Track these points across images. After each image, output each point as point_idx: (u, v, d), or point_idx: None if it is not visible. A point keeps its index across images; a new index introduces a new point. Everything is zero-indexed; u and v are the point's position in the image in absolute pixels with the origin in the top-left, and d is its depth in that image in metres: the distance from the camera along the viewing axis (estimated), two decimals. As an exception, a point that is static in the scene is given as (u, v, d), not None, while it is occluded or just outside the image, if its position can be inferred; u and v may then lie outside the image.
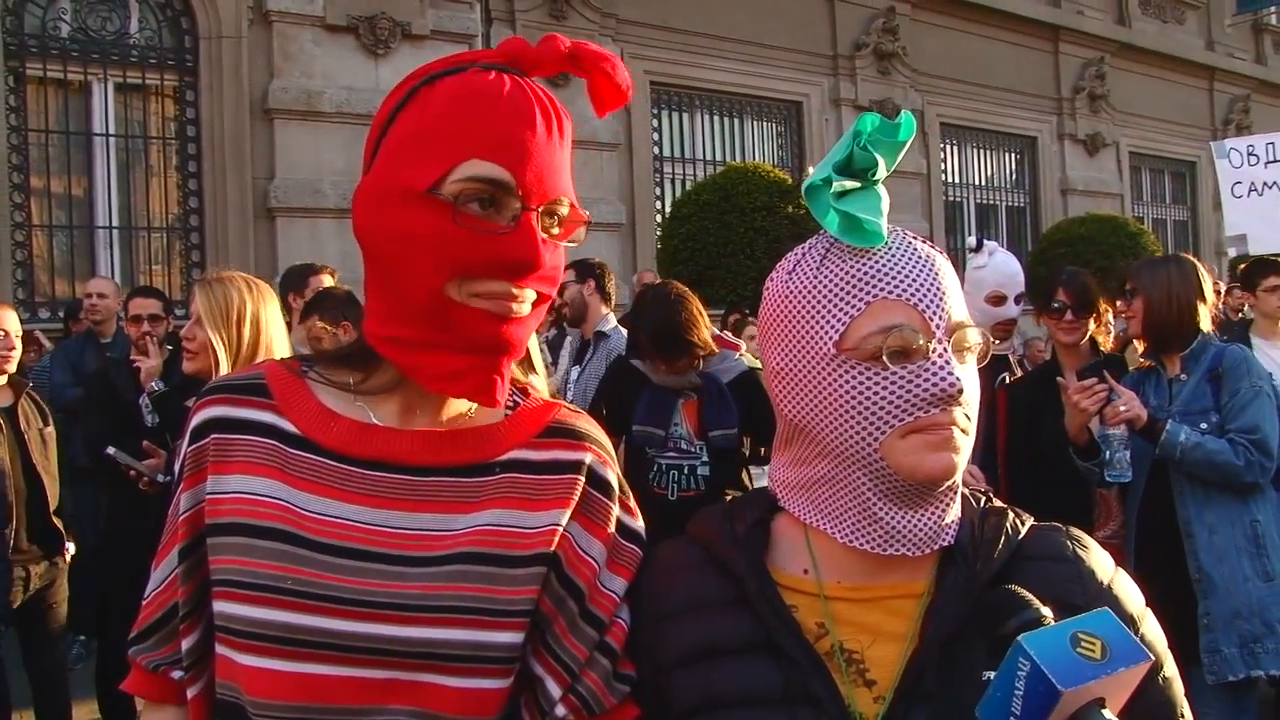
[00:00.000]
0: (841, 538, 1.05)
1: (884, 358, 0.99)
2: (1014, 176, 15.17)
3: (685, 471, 3.64)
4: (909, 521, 1.02)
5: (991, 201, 14.86)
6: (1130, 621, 1.05)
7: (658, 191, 11.21)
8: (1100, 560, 1.09)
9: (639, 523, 1.17)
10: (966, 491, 1.13)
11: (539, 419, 1.14)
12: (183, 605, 1.09)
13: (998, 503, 1.13)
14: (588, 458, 1.13)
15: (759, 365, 3.85)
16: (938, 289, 1.02)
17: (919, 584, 1.06)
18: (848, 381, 1.01)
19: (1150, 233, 12.51)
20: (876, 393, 1.00)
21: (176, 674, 1.12)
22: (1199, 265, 3.52)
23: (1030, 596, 0.95)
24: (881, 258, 1.03)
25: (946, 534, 1.04)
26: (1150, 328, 3.41)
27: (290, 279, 5.32)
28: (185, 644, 1.09)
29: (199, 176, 8.42)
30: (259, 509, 1.03)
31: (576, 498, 1.11)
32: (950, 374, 0.98)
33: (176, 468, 1.11)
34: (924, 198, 13.43)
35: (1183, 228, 17.37)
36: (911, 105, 13.07)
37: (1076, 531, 1.12)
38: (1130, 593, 1.09)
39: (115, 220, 8.32)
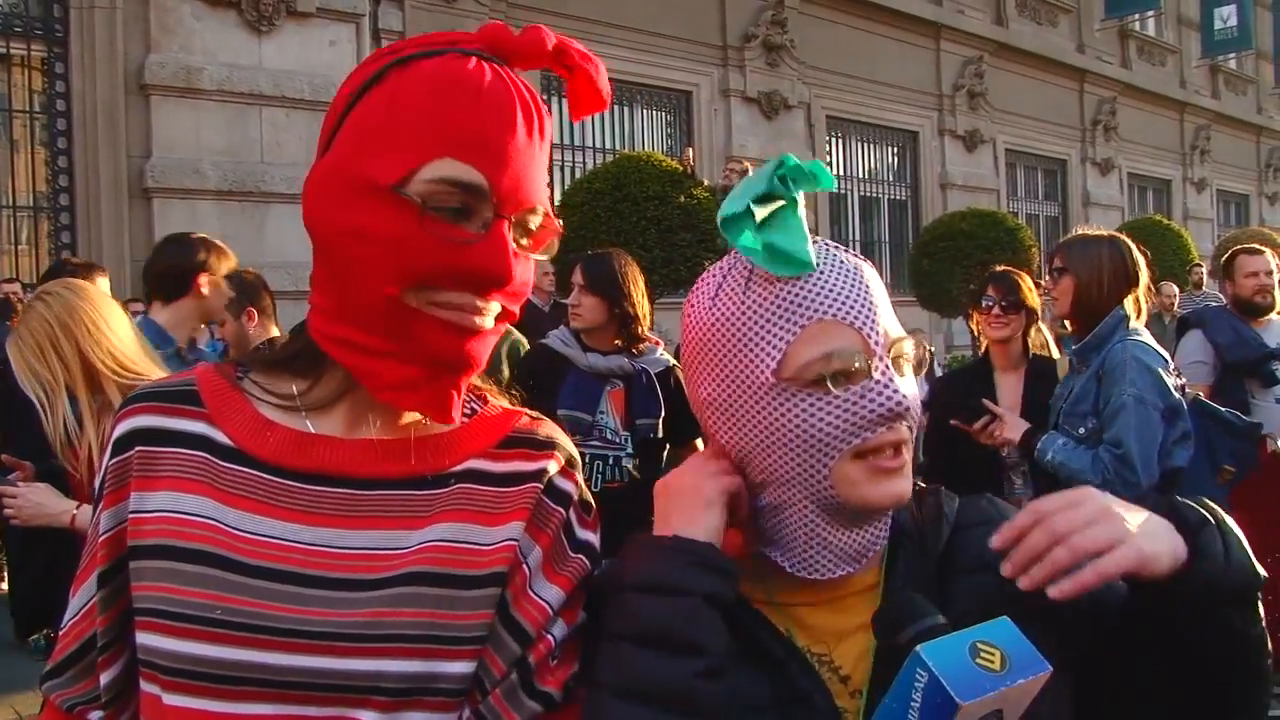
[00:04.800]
0: (791, 567, 1.03)
1: (827, 382, 0.97)
2: (896, 170, 15.58)
3: (610, 462, 3.53)
4: (855, 540, 1.02)
5: (874, 194, 15.24)
6: None
7: (548, 179, 11.15)
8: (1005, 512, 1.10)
9: (593, 536, 1.06)
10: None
11: (499, 428, 1.04)
12: (102, 635, 0.97)
13: (921, 483, 1.13)
14: (550, 465, 1.04)
15: (677, 364, 3.84)
16: (871, 304, 1.00)
17: (869, 576, 1.05)
18: (790, 410, 0.98)
19: (1026, 227, 13.01)
20: (822, 419, 0.97)
21: (95, 715, 1.01)
22: (1133, 247, 3.29)
23: (928, 604, 0.93)
24: (811, 278, 1.00)
25: (881, 539, 1.04)
26: (1078, 311, 3.24)
27: None
28: (104, 678, 0.98)
29: (69, 153, 8.08)
30: (186, 529, 0.92)
31: (532, 508, 1.01)
32: (896, 391, 0.97)
33: (96, 483, 1.00)
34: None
35: (1054, 223, 18.10)
36: (799, 98, 13.32)
37: (991, 496, 1.15)
38: None
39: (-23, 197, 7.92)
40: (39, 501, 2.57)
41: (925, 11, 15.21)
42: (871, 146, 15.10)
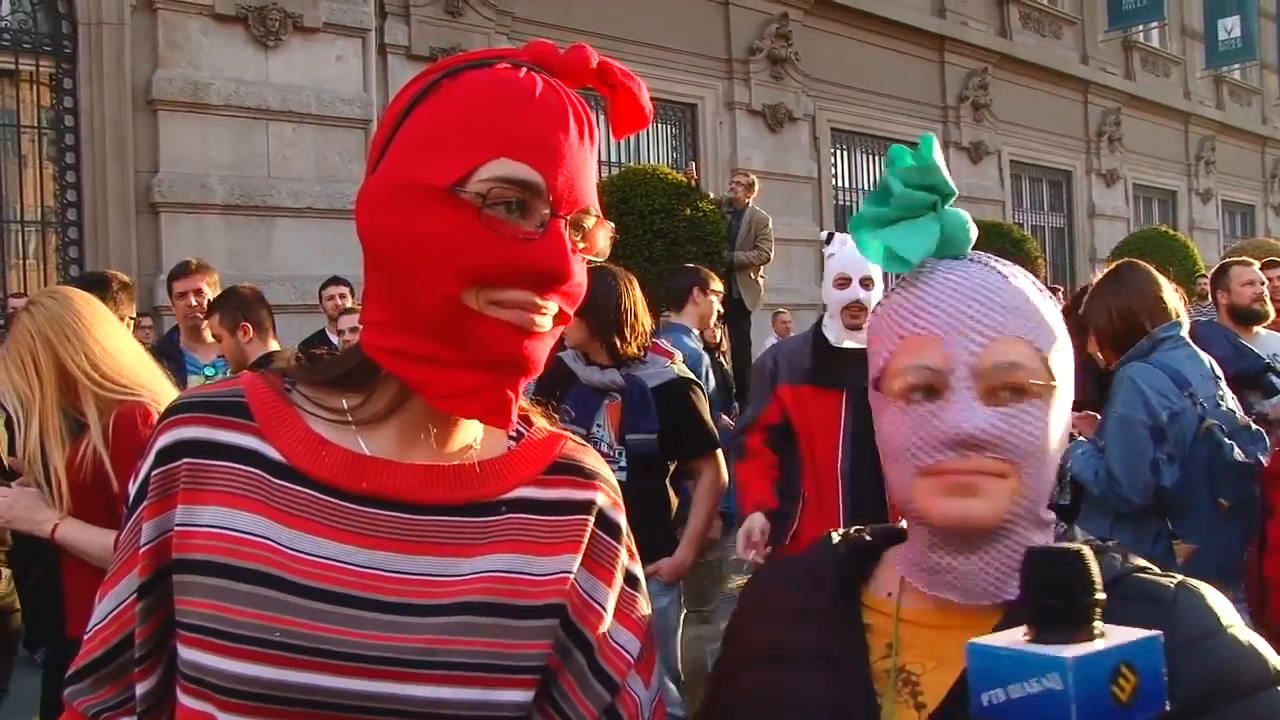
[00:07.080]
0: (901, 570, 1.04)
1: (906, 396, 0.96)
2: (902, 182, 15.56)
3: None
4: (959, 566, 0.97)
5: (880, 206, 15.22)
6: (1232, 684, 0.88)
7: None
8: (1201, 613, 0.93)
9: (639, 567, 1.11)
10: (1064, 530, 1.09)
11: (546, 453, 1.06)
12: (141, 646, 0.97)
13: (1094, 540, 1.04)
14: (599, 499, 1.06)
15: (690, 376, 3.77)
16: (972, 322, 0.95)
17: (999, 613, 0.97)
18: (884, 420, 1.00)
19: (1032, 239, 12.99)
20: (902, 433, 0.97)
21: None
22: (1145, 268, 3.41)
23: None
24: (924, 289, 0.99)
25: (998, 578, 0.96)
26: (1112, 348, 3.37)
27: (167, 285, 5.19)
28: (141, 688, 0.98)
29: (77, 168, 8.09)
30: (240, 548, 0.92)
31: (586, 541, 1.03)
32: (963, 419, 0.92)
33: (133, 489, 1.00)
34: (815, 202, 13.71)
35: (1059, 234, 18.08)
36: (803, 110, 13.35)
37: (1194, 582, 0.96)
38: (1235, 660, 0.91)
39: (-15, 212, 7.95)
40: (27, 505, 2.52)
41: (929, 24, 15.23)
42: (876, 159, 15.10)
